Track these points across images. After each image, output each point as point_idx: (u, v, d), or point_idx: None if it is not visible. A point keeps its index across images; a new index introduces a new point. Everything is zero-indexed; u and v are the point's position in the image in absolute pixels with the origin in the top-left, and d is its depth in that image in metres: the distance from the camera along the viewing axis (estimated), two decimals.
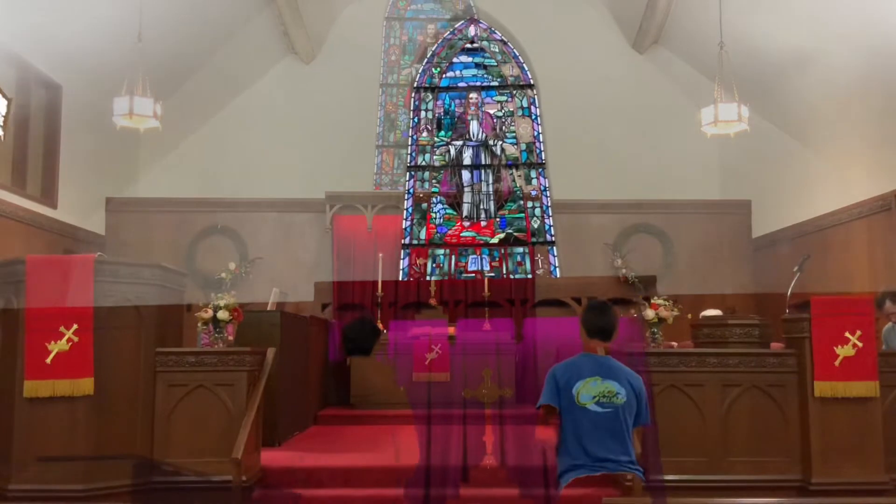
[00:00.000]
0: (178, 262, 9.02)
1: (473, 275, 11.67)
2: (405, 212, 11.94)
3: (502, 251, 11.93)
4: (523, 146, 12.35)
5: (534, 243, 11.96)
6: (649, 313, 6.01)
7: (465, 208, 12.18)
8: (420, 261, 11.84)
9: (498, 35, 12.50)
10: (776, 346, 5.53)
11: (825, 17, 7.99)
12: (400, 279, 11.29)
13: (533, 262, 11.90)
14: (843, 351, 5.03)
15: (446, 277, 11.34)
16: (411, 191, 12.14)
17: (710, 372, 5.21)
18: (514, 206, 12.18)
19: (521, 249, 12.04)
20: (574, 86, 11.38)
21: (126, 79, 7.64)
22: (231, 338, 5.70)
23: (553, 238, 11.80)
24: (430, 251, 11.95)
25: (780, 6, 8.27)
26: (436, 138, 12.50)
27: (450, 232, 12.08)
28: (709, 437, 5.11)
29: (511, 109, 12.39)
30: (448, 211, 12.26)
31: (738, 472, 5.08)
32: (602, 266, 10.80)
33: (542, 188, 12.21)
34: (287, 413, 6.85)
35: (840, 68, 8.26)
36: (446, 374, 8.50)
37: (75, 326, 4.66)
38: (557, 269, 11.62)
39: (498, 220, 12.25)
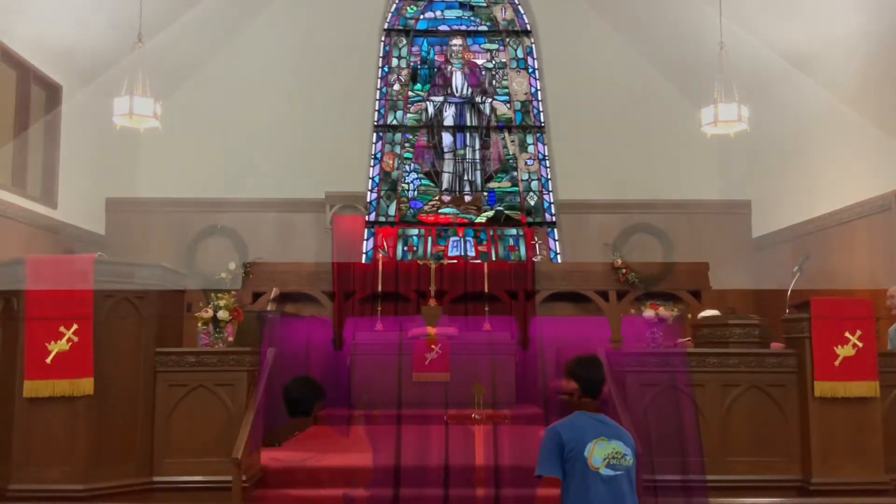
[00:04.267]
0: (178, 262, 9.01)
1: (454, 261, 9.74)
2: (370, 181, 9.92)
3: (491, 232, 9.91)
4: (517, 105, 10.28)
5: (530, 224, 10.03)
6: (649, 313, 6.01)
7: (446, 179, 10.07)
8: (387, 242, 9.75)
9: None
10: (776, 346, 5.53)
11: (825, 18, 8.00)
12: (363, 262, 9.80)
13: (530, 245, 9.95)
14: (843, 351, 5.04)
15: (421, 263, 9.44)
16: (378, 156, 9.99)
17: (710, 372, 5.21)
18: (506, 178, 10.09)
19: (514, 231, 9.99)
20: (580, 34, 10.09)
21: (126, 79, 7.64)
22: (231, 338, 5.70)
23: (554, 217, 9.99)
24: (400, 231, 9.93)
25: (780, 6, 8.27)
26: (410, 92, 10.24)
27: (426, 208, 10.07)
28: (709, 437, 5.11)
29: (503, 60, 10.30)
30: (424, 182, 10.13)
31: (738, 472, 5.08)
32: (601, 275, 10.05)
33: (541, 157, 10.16)
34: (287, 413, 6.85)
35: (840, 68, 8.26)
36: (446, 374, 8.49)
37: (75, 326, 4.67)
38: (559, 256, 10.10)
39: (486, 194, 10.13)
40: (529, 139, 10.25)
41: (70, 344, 4.66)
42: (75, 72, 9.01)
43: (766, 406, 5.19)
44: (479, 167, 10.15)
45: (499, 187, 10.14)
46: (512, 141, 10.21)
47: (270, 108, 10.58)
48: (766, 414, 5.18)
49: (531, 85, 10.49)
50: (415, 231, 9.99)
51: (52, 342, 4.65)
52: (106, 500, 4.66)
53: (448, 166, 10.07)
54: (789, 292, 5.95)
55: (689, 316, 6.60)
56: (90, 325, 4.70)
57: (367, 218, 10.01)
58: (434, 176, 10.14)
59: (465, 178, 10.10)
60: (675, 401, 5.14)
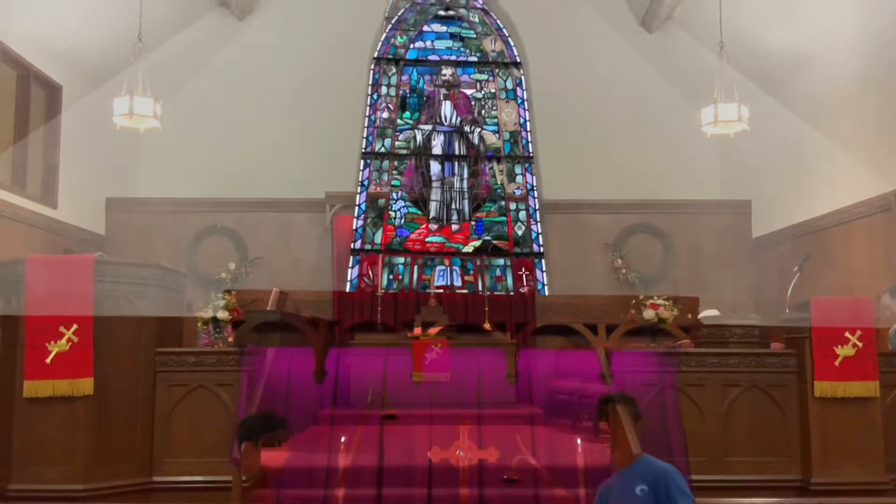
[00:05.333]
0: (178, 262, 9.01)
1: (441, 290, 9.56)
2: (357, 209, 9.87)
3: (478, 262, 9.80)
4: (506, 135, 10.30)
5: (517, 254, 9.95)
6: (649, 313, 6.02)
7: (433, 208, 10.01)
8: (372, 271, 9.56)
9: (479, 1, 10.45)
10: (776, 346, 5.53)
11: (825, 18, 8.00)
12: (347, 290, 9.63)
13: (517, 276, 9.77)
14: (843, 351, 5.03)
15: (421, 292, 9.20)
16: (366, 183, 9.96)
17: (710, 372, 5.21)
18: (494, 208, 10.07)
19: (501, 261, 9.91)
20: (568, 66, 10.20)
21: (126, 79, 7.64)
22: (231, 338, 5.70)
23: (541, 248, 9.98)
24: (385, 258, 9.84)
25: (780, 6, 8.27)
26: (399, 120, 10.26)
27: (412, 236, 9.96)
28: (709, 437, 5.11)
29: (492, 91, 10.34)
30: (411, 210, 10.06)
31: (738, 472, 5.08)
32: (602, 275, 10.04)
33: (529, 187, 10.21)
34: (287, 413, 6.85)
35: (840, 68, 8.26)
36: (446, 375, 8.49)
37: (75, 326, 4.66)
38: (546, 287, 10.04)
39: (473, 223, 10.05)
40: (518, 169, 10.23)
41: (70, 344, 4.65)
42: (75, 72, 9.01)
43: (766, 406, 5.19)
44: (466, 196, 10.09)
45: (486, 217, 10.08)
46: (500, 171, 10.18)
47: (270, 108, 10.58)
48: (766, 414, 5.18)
49: (520, 115, 10.49)
50: (401, 259, 9.85)
51: (52, 342, 4.65)
52: (106, 500, 4.66)
53: (436, 195, 10.02)
54: (789, 292, 5.95)
55: (689, 316, 6.60)
56: (90, 325, 4.69)
57: (352, 245, 9.86)
58: (421, 205, 10.05)
59: (453, 206, 10.03)
60: (663, 401, 5.14)
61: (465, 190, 10.08)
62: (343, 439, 6.34)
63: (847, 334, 5.04)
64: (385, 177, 9.94)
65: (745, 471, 5.08)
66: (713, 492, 4.94)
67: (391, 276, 9.86)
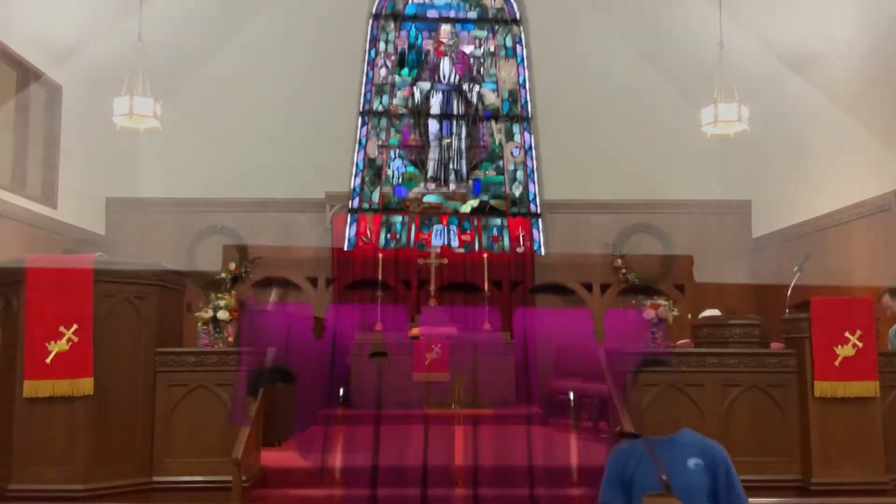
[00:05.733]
0: (178, 262, 9.01)
1: (439, 249, 9.59)
2: (354, 167, 9.87)
3: (475, 222, 9.83)
4: (505, 94, 10.16)
5: (514, 214, 9.94)
6: (649, 313, 6.01)
7: (431, 167, 9.93)
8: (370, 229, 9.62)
9: None
10: (776, 346, 5.53)
11: (825, 18, 8.00)
12: (345, 249, 9.76)
13: (514, 236, 9.78)
14: (843, 351, 5.04)
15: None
16: (363, 141, 9.88)
17: (710, 372, 5.21)
18: (492, 168, 9.98)
19: (498, 221, 9.90)
20: (571, 24, 10.01)
21: (126, 79, 7.64)
22: (231, 338, 5.70)
23: (538, 209, 9.97)
24: (384, 218, 9.87)
25: (780, 6, 8.27)
26: (397, 77, 10.15)
27: (410, 195, 9.97)
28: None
29: (492, 49, 10.19)
30: (409, 169, 9.99)
31: (738, 472, 5.06)
32: (602, 275, 10.10)
33: (527, 147, 10.06)
34: (287, 413, 6.85)
35: (840, 68, 8.26)
36: (446, 375, 8.49)
37: (75, 326, 4.67)
38: (542, 247, 10.04)
39: (471, 183, 10.03)
40: (516, 129, 10.13)
41: (70, 344, 4.66)
42: (75, 72, 9.01)
43: (766, 406, 5.19)
44: (464, 156, 10.00)
45: (484, 177, 10.01)
46: (498, 130, 10.09)
47: (269, 108, 10.57)
48: (766, 414, 5.18)
49: (519, 74, 10.34)
50: (398, 219, 9.85)
51: (52, 342, 4.65)
52: (106, 500, 4.66)
53: (433, 154, 9.93)
54: (789, 292, 5.95)
55: (689, 316, 6.59)
56: (90, 325, 4.70)
57: (350, 204, 9.83)
58: (419, 164, 9.99)
59: (451, 166, 9.95)
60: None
61: (464, 150, 9.99)
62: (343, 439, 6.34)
63: (847, 334, 5.05)
64: (383, 136, 9.82)
65: (745, 471, 5.03)
66: None
67: (389, 235, 9.83)
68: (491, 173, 10.04)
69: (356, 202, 9.90)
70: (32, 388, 4.64)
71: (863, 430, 5.03)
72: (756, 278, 10.33)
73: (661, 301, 6.09)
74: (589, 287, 9.94)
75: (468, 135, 10.01)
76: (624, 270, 10.17)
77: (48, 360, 4.64)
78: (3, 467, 4.67)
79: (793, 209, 9.35)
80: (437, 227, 9.93)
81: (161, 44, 8.62)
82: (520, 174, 10.02)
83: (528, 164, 10.12)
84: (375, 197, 9.82)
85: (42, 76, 8.64)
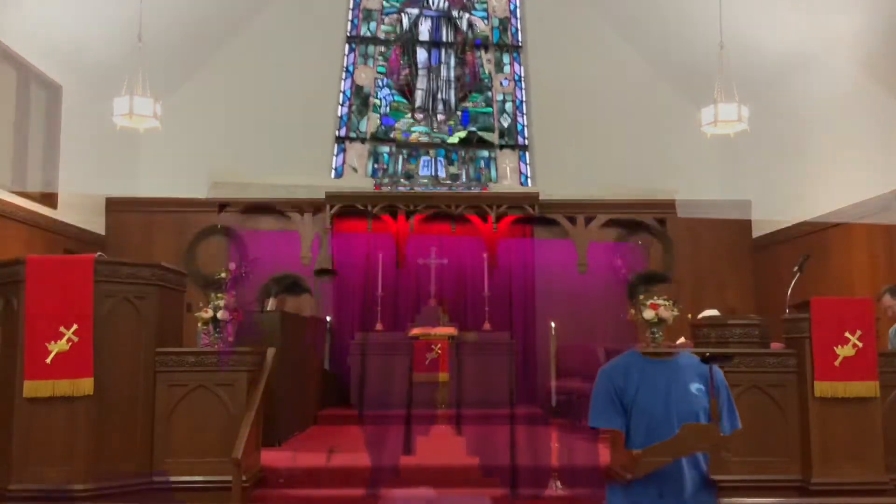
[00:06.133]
0: (178, 262, 9.01)
1: (425, 181, 9.62)
2: (341, 95, 9.66)
3: (463, 153, 9.78)
4: (496, 22, 9.92)
5: (502, 146, 9.85)
6: (649, 313, 6.01)
7: (419, 97, 9.74)
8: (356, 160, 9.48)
9: None
10: (776, 346, 5.53)
11: (825, 17, 8.00)
12: (332, 178, 9.78)
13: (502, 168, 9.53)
14: (843, 351, 5.03)
15: (394, 181, 9.38)
16: (350, 69, 9.66)
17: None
18: (481, 99, 9.80)
19: (486, 153, 9.80)
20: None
21: (126, 79, 7.64)
22: (231, 338, 5.71)
23: (526, 141, 9.87)
24: (371, 148, 9.77)
25: (780, 6, 8.27)
26: (384, 2, 9.91)
27: (398, 125, 9.78)
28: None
29: None
30: (397, 99, 9.81)
31: (738, 472, 5.07)
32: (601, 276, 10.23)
33: (517, 77, 9.87)
34: (287, 413, 6.85)
35: (840, 68, 8.26)
36: (446, 375, 8.50)
37: (75, 326, 4.67)
38: (529, 180, 10.03)
39: (459, 114, 9.86)
40: (506, 59, 9.92)
41: (70, 344, 4.66)
42: (75, 72, 9.00)
43: (766, 406, 5.19)
44: (453, 86, 9.79)
45: (473, 107, 9.85)
46: (489, 59, 9.88)
47: (269, 107, 10.54)
48: (766, 414, 5.18)
49: (510, 1, 10.16)
50: (385, 149, 9.71)
51: (52, 342, 4.65)
52: (106, 500, 4.66)
53: (422, 83, 9.75)
54: (789, 292, 5.95)
55: (689, 316, 6.57)
56: (90, 325, 4.70)
57: (336, 133, 9.70)
58: (407, 93, 9.80)
59: (440, 96, 9.78)
60: None
61: (452, 79, 9.81)
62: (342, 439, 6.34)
63: (847, 334, 5.04)
64: (370, 63, 9.64)
65: (745, 471, 5.08)
66: None
67: (376, 166, 9.74)
68: (479, 104, 9.86)
69: (343, 131, 9.70)
70: (32, 388, 4.64)
71: (863, 430, 5.03)
72: (756, 278, 10.34)
73: (661, 301, 6.08)
74: (573, 220, 9.99)
75: (457, 64, 9.80)
76: (624, 270, 10.17)
77: (48, 360, 4.64)
78: (3, 467, 4.67)
79: (793, 209, 9.35)
80: (424, 159, 9.79)
81: (161, 44, 8.62)
82: (508, 106, 9.82)
83: (518, 95, 9.90)
84: (363, 126, 9.63)
85: (42, 76, 8.64)
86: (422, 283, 9.73)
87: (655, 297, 6.14)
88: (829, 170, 8.69)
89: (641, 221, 9.79)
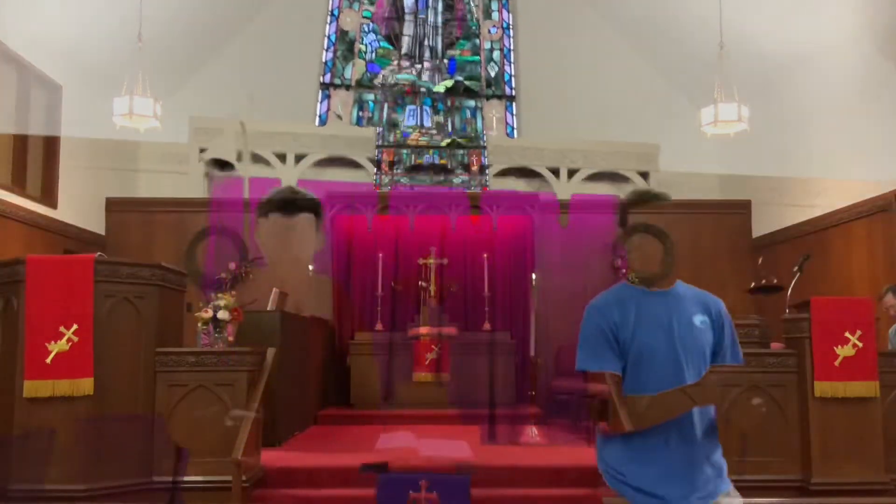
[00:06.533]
0: (178, 262, 9.01)
1: (409, 130, 9.41)
2: (326, 40, 9.47)
3: (449, 103, 9.61)
4: None
5: (489, 96, 9.73)
6: None
7: (405, 43, 9.58)
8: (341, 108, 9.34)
9: None
10: (776, 346, 5.53)
11: (825, 17, 8.00)
12: (316, 125, 9.59)
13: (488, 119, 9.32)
14: (843, 351, 5.03)
15: (379, 132, 9.12)
16: (335, 13, 9.41)
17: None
18: (468, 46, 9.64)
19: (472, 103, 9.63)
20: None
21: (126, 79, 7.64)
22: (231, 338, 5.70)
23: (513, 91, 9.76)
24: (356, 95, 9.59)
25: (780, 6, 8.27)
26: None
27: (384, 72, 9.65)
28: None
29: None
30: (383, 45, 9.64)
31: (738, 472, 5.06)
32: (601, 276, 10.13)
33: (505, 25, 9.70)
34: (287, 413, 6.85)
35: (840, 68, 8.26)
36: (446, 375, 8.50)
37: (75, 326, 4.67)
38: (515, 131, 9.89)
39: (446, 62, 9.70)
40: (494, 5, 9.73)
41: (70, 344, 4.66)
42: (75, 72, 9.00)
43: (765, 406, 5.18)
44: (440, 32, 9.59)
45: (460, 55, 9.65)
46: (476, 5, 9.68)
47: (252, 49, 10.39)
48: (766, 414, 5.17)
49: None
50: (370, 96, 9.49)
51: (52, 342, 4.65)
52: (106, 500, 4.66)
53: (408, 29, 9.58)
54: (789, 292, 5.95)
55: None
56: (90, 325, 4.70)
57: (321, 79, 9.56)
58: (393, 39, 9.61)
59: (426, 42, 9.59)
60: None
61: (440, 25, 9.61)
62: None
63: (847, 334, 5.04)
64: (356, 7, 9.44)
65: (745, 471, 5.08)
66: None
67: (360, 113, 9.58)
68: (466, 52, 9.66)
69: (327, 77, 9.52)
70: (32, 388, 4.64)
71: (863, 430, 5.03)
72: (756, 278, 10.33)
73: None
74: (556, 172, 9.96)
75: (445, 9, 9.58)
76: (623, 270, 10.17)
77: (48, 360, 4.64)
78: (3, 467, 4.66)
79: (793, 209, 9.35)
80: (409, 108, 9.59)
81: (161, 44, 8.62)
82: (496, 55, 9.64)
83: (506, 43, 9.71)
84: (348, 73, 9.45)
85: (42, 76, 8.64)
86: (422, 283, 9.72)
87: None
88: (829, 170, 8.69)
89: (622, 174, 9.65)
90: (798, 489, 5.06)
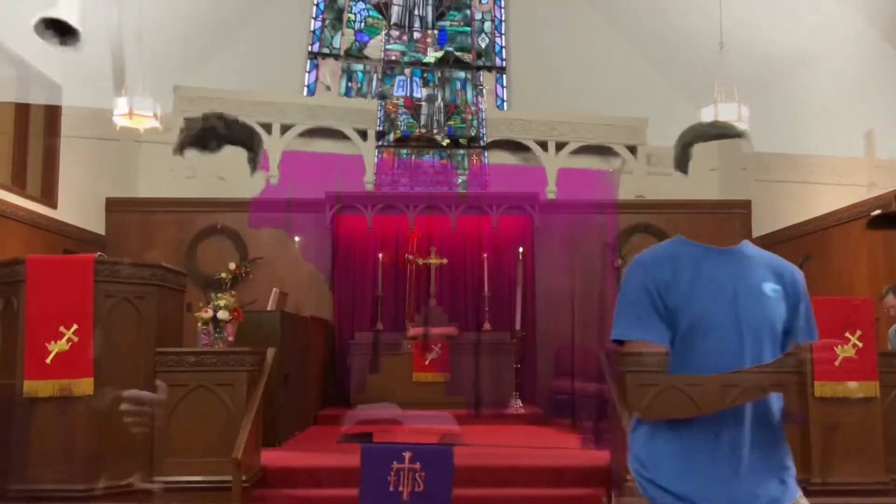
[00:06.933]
0: (178, 262, 9.01)
1: (401, 100, 9.27)
2: (314, 8, 9.40)
3: (439, 74, 9.54)
4: None
5: (479, 67, 9.65)
6: None
7: (395, 13, 9.48)
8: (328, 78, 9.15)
9: None
10: None
11: (825, 17, 8.00)
12: (304, 95, 9.51)
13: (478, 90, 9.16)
14: (844, 351, 5.03)
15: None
16: None
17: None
18: (459, 17, 9.52)
19: (462, 74, 9.54)
20: None
21: (126, 79, 7.64)
22: (231, 338, 5.71)
23: (504, 62, 9.69)
24: (344, 65, 9.50)
25: (780, 6, 8.27)
26: None
27: (373, 42, 9.55)
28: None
29: None
30: (372, 14, 9.54)
31: None
32: (601, 276, 10.17)
33: None
34: (287, 413, 6.85)
35: (840, 68, 8.26)
36: (446, 375, 8.51)
37: (75, 326, 4.67)
38: (506, 103, 9.84)
39: (436, 32, 9.58)
40: None
41: (70, 344, 4.66)
42: (75, 72, 9.00)
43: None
44: (430, 2, 9.49)
45: (450, 26, 9.56)
46: None
47: (239, 17, 10.32)
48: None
49: None
50: (359, 67, 9.40)
51: (52, 342, 4.65)
52: (106, 500, 4.66)
53: None
54: None
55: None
56: (90, 325, 4.69)
57: (309, 48, 9.48)
58: (383, 8, 9.52)
59: (416, 12, 9.49)
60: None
61: None
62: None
63: (847, 334, 5.04)
64: None
65: None
66: None
67: (349, 84, 9.48)
68: (457, 23, 9.57)
69: (316, 46, 9.42)
70: (32, 388, 4.64)
71: (863, 430, 5.03)
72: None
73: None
74: (544, 145, 9.96)
75: None
76: (624, 270, 10.18)
77: (48, 360, 4.64)
78: (3, 467, 4.67)
79: (793, 209, 9.35)
80: (399, 78, 9.48)
81: (161, 44, 8.62)
82: (487, 25, 9.55)
83: (496, 14, 9.63)
84: (336, 42, 9.30)
85: (42, 76, 8.64)
86: (422, 283, 9.74)
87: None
88: (829, 170, 8.69)
89: (610, 147, 9.60)
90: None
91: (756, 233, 10.52)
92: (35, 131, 8.72)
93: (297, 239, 8.37)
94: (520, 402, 7.88)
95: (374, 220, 10.13)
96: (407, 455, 4.60)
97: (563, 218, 10.81)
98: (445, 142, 9.38)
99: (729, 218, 10.64)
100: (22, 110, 8.36)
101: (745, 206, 10.66)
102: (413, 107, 9.43)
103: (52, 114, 8.90)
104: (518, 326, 8.60)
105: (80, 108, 9.12)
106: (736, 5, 8.28)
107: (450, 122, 9.90)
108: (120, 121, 7.75)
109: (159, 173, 10.47)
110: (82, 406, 4.69)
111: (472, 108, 9.50)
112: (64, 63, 8.82)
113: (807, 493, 4.98)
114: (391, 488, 4.53)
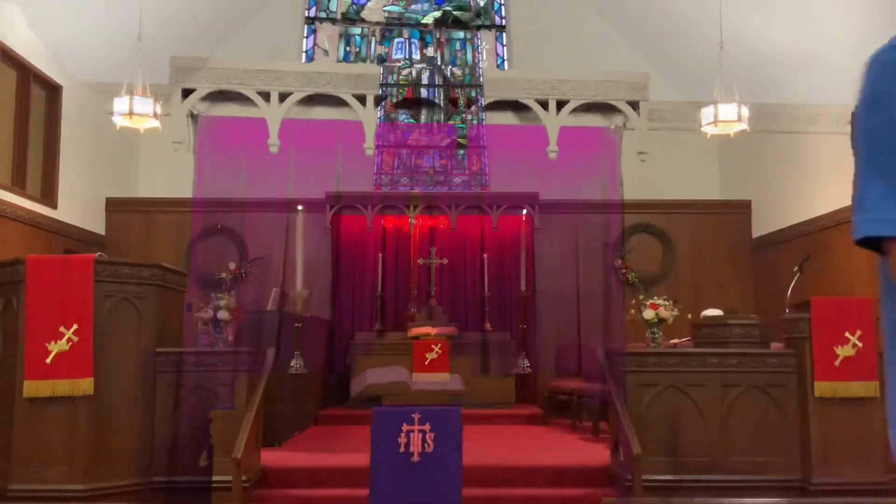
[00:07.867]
0: (178, 262, 9.01)
1: (397, 63, 9.11)
2: None
3: (437, 35, 9.39)
4: None
5: (478, 26, 9.51)
6: (649, 313, 6.00)
7: None
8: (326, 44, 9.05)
9: None
10: (776, 346, 5.54)
11: (825, 17, 8.00)
12: (303, 62, 9.48)
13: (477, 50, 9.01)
14: (843, 351, 5.04)
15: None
16: None
17: (710, 372, 5.21)
18: None
19: (461, 34, 9.40)
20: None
21: (126, 79, 7.64)
22: (231, 338, 5.71)
23: (504, 21, 9.56)
24: (342, 29, 9.38)
25: (780, 6, 8.28)
26: None
27: (370, 4, 9.36)
28: (709, 437, 5.11)
29: None
30: None
31: (738, 472, 5.08)
32: (601, 275, 10.24)
33: None
34: (287, 413, 6.85)
35: (840, 68, 8.25)
36: (446, 375, 8.50)
37: (75, 326, 4.67)
38: (506, 62, 9.75)
39: None
40: None
41: (70, 344, 4.66)
42: (75, 72, 9.01)
43: (766, 406, 5.19)
44: None
45: None
46: None
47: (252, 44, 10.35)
48: (766, 414, 5.18)
49: None
50: (357, 30, 9.31)
51: (52, 342, 4.65)
52: (106, 500, 4.67)
53: None
54: (789, 292, 5.95)
55: (689, 316, 6.56)
56: (90, 325, 4.70)
57: (306, 13, 9.43)
58: None
59: None
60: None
61: None
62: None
63: (847, 334, 5.05)
64: None
65: (745, 471, 5.08)
66: (713, 492, 4.95)
67: (347, 49, 9.41)
68: None
69: (312, 11, 9.33)
70: (32, 388, 4.65)
71: (863, 430, 5.03)
72: (756, 278, 10.34)
73: (661, 301, 6.08)
74: (545, 104, 9.92)
75: None
76: (624, 270, 10.18)
77: (48, 360, 4.65)
78: (3, 467, 4.67)
79: (793, 209, 9.35)
80: (397, 41, 9.39)
81: (161, 44, 8.62)
82: None
83: None
84: (333, 5, 9.21)
85: (42, 76, 8.64)
86: (422, 283, 9.74)
87: (655, 298, 6.14)
88: (828, 169, 8.69)
89: (612, 104, 9.53)
90: (798, 489, 5.06)
91: (756, 233, 10.53)
92: (35, 131, 8.72)
93: (297, 238, 8.35)
94: (527, 363, 7.82)
95: (374, 220, 10.13)
96: (416, 416, 4.64)
97: (563, 217, 10.80)
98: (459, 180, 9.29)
99: (729, 218, 10.67)
100: (22, 110, 8.36)
101: (745, 206, 10.67)
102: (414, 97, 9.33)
103: (53, 114, 8.90)
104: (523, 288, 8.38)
105: (81, 108, 9.12)
106: (736, 5, 8.28)
107: (450, 122, 9.91)
108: (120, 121, 7.75)
109: (159, 173, 10.48)
110: (82, 406, 4.69)
111: (469, 70, 9.32)
112: (64, 63, 8.83)
113: (807, 493, 5.01)
114: (402, 449, 4.59)
